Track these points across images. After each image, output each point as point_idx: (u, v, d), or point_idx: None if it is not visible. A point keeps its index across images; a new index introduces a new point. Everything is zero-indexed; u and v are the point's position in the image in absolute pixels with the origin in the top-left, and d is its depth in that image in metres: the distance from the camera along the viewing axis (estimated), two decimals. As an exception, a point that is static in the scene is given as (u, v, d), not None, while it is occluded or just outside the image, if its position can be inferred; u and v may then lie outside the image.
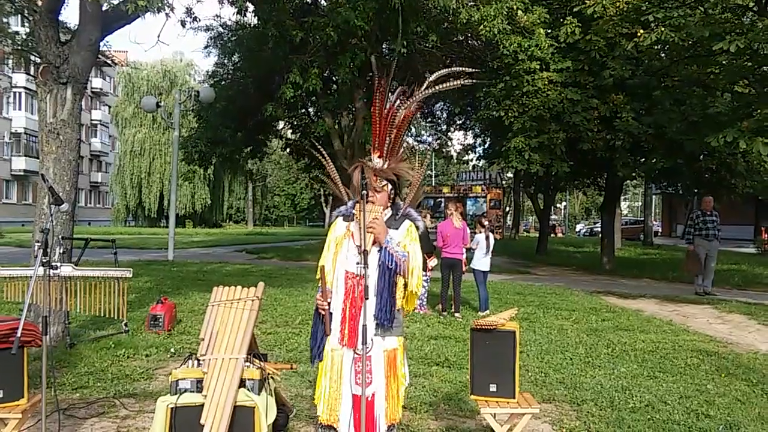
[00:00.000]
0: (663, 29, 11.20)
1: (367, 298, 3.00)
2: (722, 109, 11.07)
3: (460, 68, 3.58)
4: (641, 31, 11.97)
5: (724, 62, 11.74)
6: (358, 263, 3.12)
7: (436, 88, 3.35)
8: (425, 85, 3.33)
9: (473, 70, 3.74)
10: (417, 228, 3.30)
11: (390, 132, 3.26)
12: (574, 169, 17.05)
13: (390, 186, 3.31)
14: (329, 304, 3.22)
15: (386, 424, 3.17)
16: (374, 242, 3.15)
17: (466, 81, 3.35)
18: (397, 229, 3.23)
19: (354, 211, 3.26)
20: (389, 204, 3.33)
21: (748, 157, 12.71)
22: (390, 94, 3.30)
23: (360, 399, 3.06)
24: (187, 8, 19.22)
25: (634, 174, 17.52)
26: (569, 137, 14.75)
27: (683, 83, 13.82)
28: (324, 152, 3.59)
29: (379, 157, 3.28)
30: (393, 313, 3.18)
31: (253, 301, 3.67)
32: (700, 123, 12.09)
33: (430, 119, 28.11)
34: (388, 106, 3.25)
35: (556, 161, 15.01)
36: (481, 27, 14.12)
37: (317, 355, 3.27)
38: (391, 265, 3.13)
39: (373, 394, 3.14)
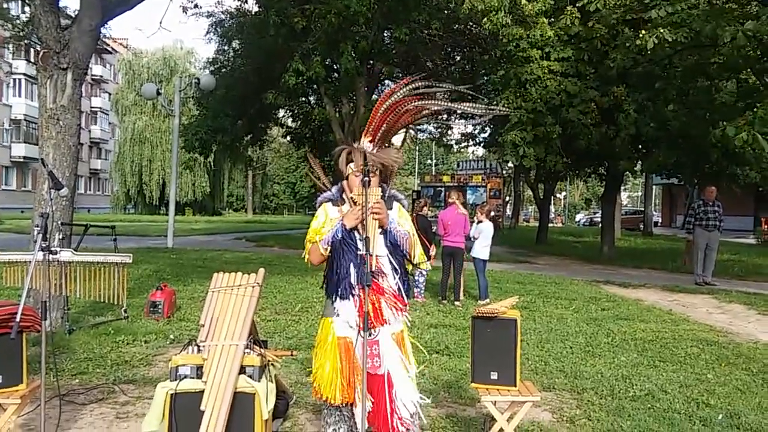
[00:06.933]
0: (663, 30, 11.01)
1: (369, 285, 3.02)
2: (726, 98, 10.94)
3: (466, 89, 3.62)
4: (642, 32, 11.81)
5: (728, 54, 11.61)
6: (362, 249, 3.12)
7: (450, 105, 3.46)
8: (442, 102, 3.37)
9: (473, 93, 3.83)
10: (403, 206, 3.37)
11: (389, 121, 3.24)
12: (573, 162, 16.93)
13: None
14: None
15: (412, 403, 3.19)
16: (380, 226, 3.17)
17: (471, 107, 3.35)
18: (390, 209, 3.28)
19: (353, 196, 3.23)
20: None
21: (755, 145, 12.66)
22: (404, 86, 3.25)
23: (374, 377, 3.14)
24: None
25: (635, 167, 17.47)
26: (566, 132, 14.63)
27: (686, 73, 13.69)
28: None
29: (371, 141, 3.28)
30: (410, 288, 3.33)
31: (253, 287, 3.64)
32: (706, 113, 11.93)
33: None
34: (397, 99, 3.21)
35: (551, 155, 14.89)
36: (485, 20, 13.98)
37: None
38: (398, 245, 3.21)
39: (387, 373, 3.18)
